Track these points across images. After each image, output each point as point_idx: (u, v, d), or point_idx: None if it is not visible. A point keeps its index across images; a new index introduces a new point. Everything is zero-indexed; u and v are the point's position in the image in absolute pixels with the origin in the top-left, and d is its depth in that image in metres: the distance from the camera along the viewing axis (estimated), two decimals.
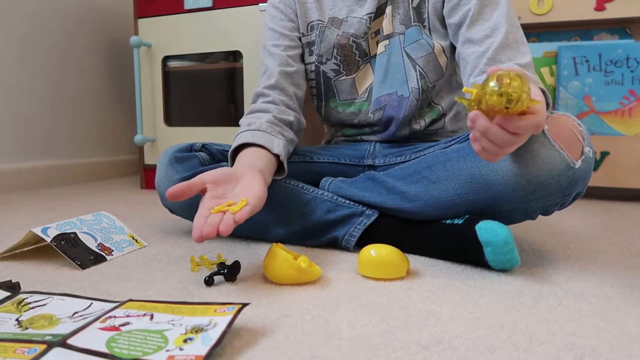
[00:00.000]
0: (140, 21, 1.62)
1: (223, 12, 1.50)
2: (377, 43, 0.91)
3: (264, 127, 0.82)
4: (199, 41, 1.55)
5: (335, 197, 0.82)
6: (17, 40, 1.60)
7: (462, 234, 0.70)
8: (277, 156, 0.79)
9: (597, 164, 1.37)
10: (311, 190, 0.83)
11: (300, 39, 0.95)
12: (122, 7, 2.01)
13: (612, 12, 1.39)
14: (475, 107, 0.52)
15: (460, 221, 0.72)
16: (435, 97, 0.92)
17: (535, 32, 1.61)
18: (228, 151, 0.87)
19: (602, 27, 1.54)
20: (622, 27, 1.52)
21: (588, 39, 1.55)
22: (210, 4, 1.51)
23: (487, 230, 0.66)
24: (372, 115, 0.93)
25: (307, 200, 0.82)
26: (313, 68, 0.96)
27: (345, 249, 0.81)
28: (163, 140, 1.64)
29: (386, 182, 0.80)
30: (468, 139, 0.73)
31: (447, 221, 0.74)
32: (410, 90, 0.89)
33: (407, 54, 0.88)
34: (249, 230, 0.86)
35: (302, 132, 0.95)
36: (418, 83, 0.89)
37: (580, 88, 1.42)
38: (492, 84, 0.50)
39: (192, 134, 1.59)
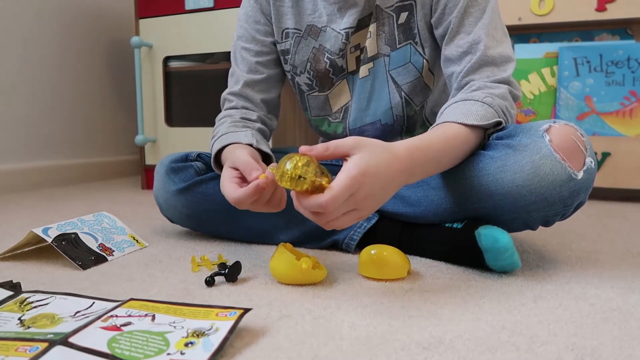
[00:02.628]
0: (141, 21, 1.62)
1: (224, 13, 1.50)
2: (358, 60, 0.85)
3: (228, 129, 0.82)
4: (200, 41, 1.55)
5: None
6: (18, 40, 1.61)
7: (461, 239, 0.70)
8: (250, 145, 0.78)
9: (598, 165, 1.37)
10: None
11: (274, 44, 0.90)
12: (123, 7, 2.01)
13: (613, 12, 1.39)
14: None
15: (460, 225, 0.72)
16: (430, 116, 0.89)
17: (536, 32, 1.61)
18: None
19: (603, 27, 1.53)
20: (623, 27, 1.52)
21: (589, 40, 1.55)
22: (211, 5, 1.51)
23: (487, 236, 0.66)
24: None
25: None
26: (289, 76, 0.92)
27: (346, 251, 0.81)
28: (164, 140, 1.64)
29: None
30: None
31: (447, 224, 0.74)
32: (395, 119, 0.87)
33: (393, 79, 0.84)
34: (249, 237, 0.86)
35: (273, 132, 0.94)
36: (403, 110, 0.86)
37: (581, 89, 1.42)
38: (285, 164, 0.54)
39: (193, 134, 1.59)
